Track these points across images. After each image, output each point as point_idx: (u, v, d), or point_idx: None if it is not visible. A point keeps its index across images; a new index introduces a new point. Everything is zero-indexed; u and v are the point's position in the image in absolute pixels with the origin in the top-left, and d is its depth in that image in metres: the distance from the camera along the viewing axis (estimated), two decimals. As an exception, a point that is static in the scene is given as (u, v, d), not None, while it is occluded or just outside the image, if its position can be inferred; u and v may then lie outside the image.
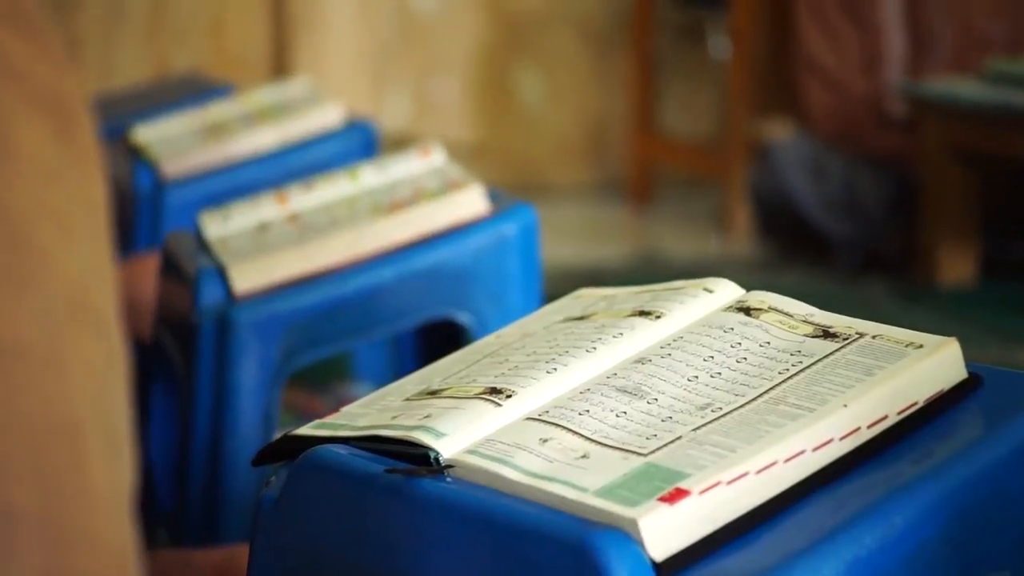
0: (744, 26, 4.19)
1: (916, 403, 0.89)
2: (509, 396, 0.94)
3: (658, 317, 1.00)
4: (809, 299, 0.99)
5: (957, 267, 3.51)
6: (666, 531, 0.81)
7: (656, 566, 0.80)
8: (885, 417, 0.88)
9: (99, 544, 0.55)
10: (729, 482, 0.83)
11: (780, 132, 3.95)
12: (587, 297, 1.10)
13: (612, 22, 4.77)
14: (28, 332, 0.54)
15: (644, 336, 0.99)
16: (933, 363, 0.90)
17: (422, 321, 1.56)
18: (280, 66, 4.49)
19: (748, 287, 1.02)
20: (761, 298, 1.00)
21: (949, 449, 0.86)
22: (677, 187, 4.74)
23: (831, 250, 3.72)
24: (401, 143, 1.66)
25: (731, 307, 1.00)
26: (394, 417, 0.96)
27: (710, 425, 0.88)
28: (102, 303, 0.57)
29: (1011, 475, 0.86)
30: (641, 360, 0.96)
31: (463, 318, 1.51)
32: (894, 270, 3.62)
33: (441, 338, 1.56)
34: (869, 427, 0.87)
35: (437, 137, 4.56)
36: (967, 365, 0.92)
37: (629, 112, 4.70)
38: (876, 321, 0.94)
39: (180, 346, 1.55)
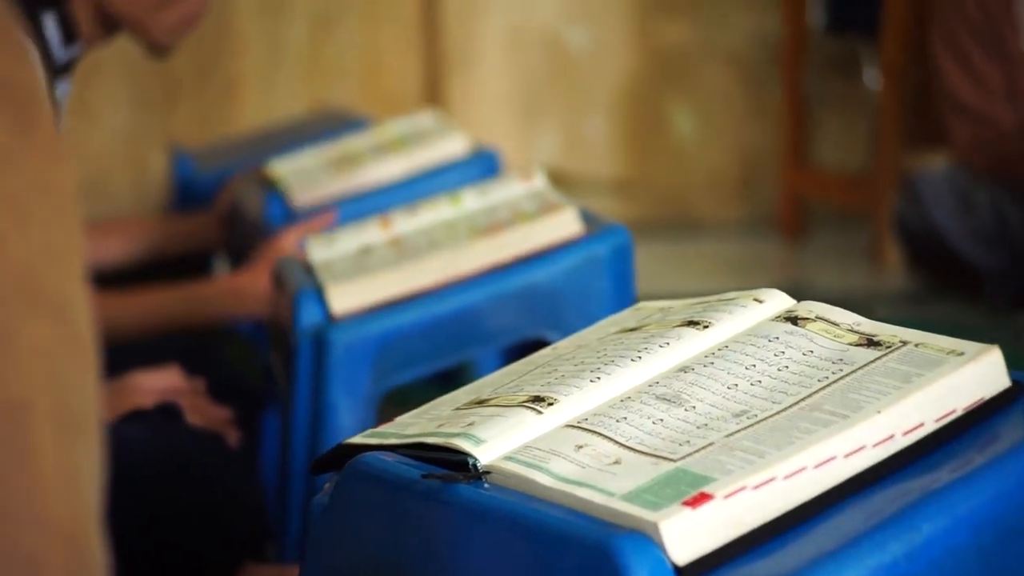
0: (895, 57, 4.13)
1: (954, 411, 0.87)
2: (551, 404, 0.95)
3: (706, 327, 1.00)
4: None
5: (1111, 299, 3.41)
6: (688, 535, 0.80)
7: (678, 570, 0.80)
8: (921, 425, 0.86)
9: (48, 525, 0.55)
10: (755, 487, 0.82)
11: (932, 164, 3.88)
12: (645, 309, 1.10)
13: (764, 55, 4.74)
14: None
15: (690, 345, 0.98)
16: (973, 371, 0.88)
17: (515, 341, 1.57)
18: (433, 104, 4.54)
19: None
20: (809, 307, 0.99)
21: (984, 457, 0.84)
22: (830, 220, 4.68)
23: (982, 282, 3.64)
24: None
25: (779, 317, 0.99)
26: (440, 425, 0.97)
27: (743, 432, 0.87)
28: (61, 288, 0.58)
29: (1050, 484, 0.84)
30: (684, 369, 0.96)
31: (555, 338, 1.51)
32: (1047, 303, 3.53)
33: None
34: (904, 434, 0.86)
35: (588, 174, 4.58)
36: (1010, 373, 0.90)
37: (781, 145, 4.66)
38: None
39: (283, 366, 1.59)
